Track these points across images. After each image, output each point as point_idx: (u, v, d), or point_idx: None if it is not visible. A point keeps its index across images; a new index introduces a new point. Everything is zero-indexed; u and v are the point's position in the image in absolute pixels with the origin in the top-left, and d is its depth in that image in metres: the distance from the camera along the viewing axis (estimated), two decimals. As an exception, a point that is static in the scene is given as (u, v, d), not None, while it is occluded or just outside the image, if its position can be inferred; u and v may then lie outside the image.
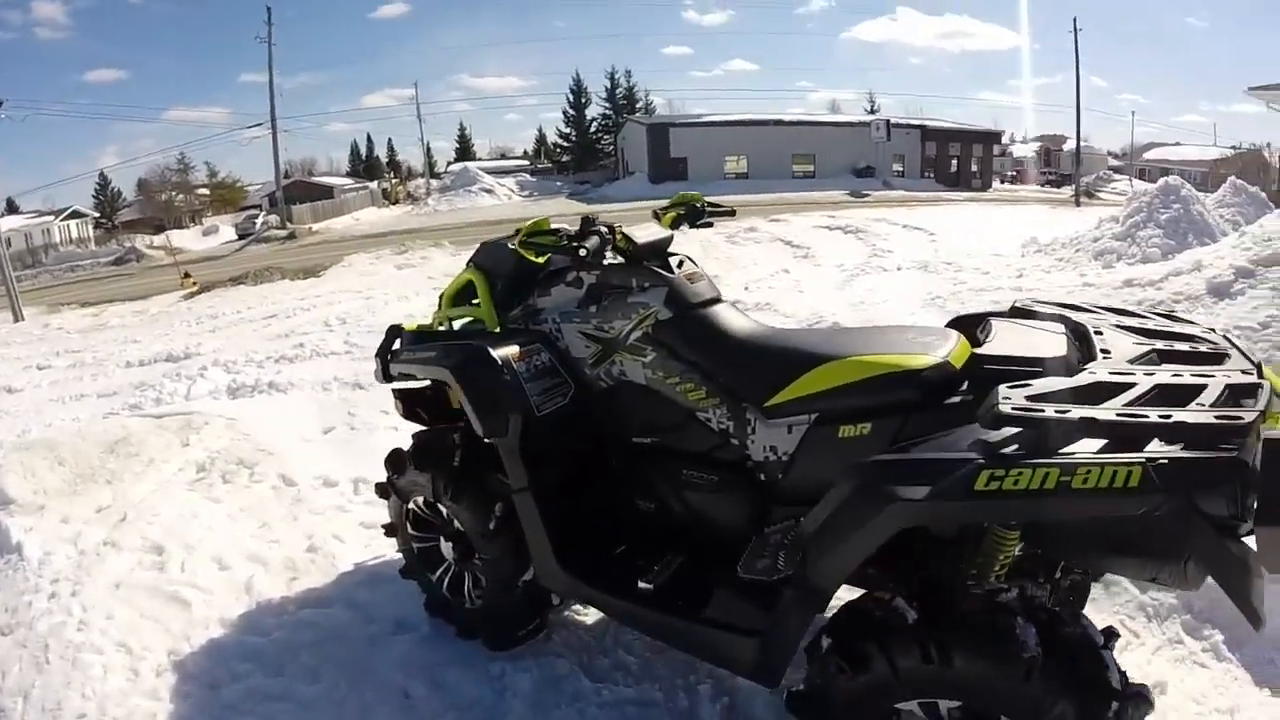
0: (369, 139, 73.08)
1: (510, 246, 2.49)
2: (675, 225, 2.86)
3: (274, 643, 2.66)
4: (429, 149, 50.57)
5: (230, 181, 59.09)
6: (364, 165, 68.98)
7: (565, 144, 53.81)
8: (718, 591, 2.09)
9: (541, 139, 62.50)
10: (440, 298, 2.80)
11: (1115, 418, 1.43)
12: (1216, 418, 1.40)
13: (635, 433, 2.40)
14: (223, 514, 3.52)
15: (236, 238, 37.01)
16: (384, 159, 70.61)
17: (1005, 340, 1.97)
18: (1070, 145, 45.73)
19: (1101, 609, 2.71)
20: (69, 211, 52.20)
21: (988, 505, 1.50)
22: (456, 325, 2.72)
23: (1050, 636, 1.56)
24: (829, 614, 1.88)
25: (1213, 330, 1.95)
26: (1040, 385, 1.55)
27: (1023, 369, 1.76)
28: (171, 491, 3.74)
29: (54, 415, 6.11)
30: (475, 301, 2.65)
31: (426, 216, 30.16)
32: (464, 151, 64.95)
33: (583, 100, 52.67)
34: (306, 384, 5.85)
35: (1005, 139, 52.37)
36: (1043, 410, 1.45)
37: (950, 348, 1.89)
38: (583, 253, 2.27)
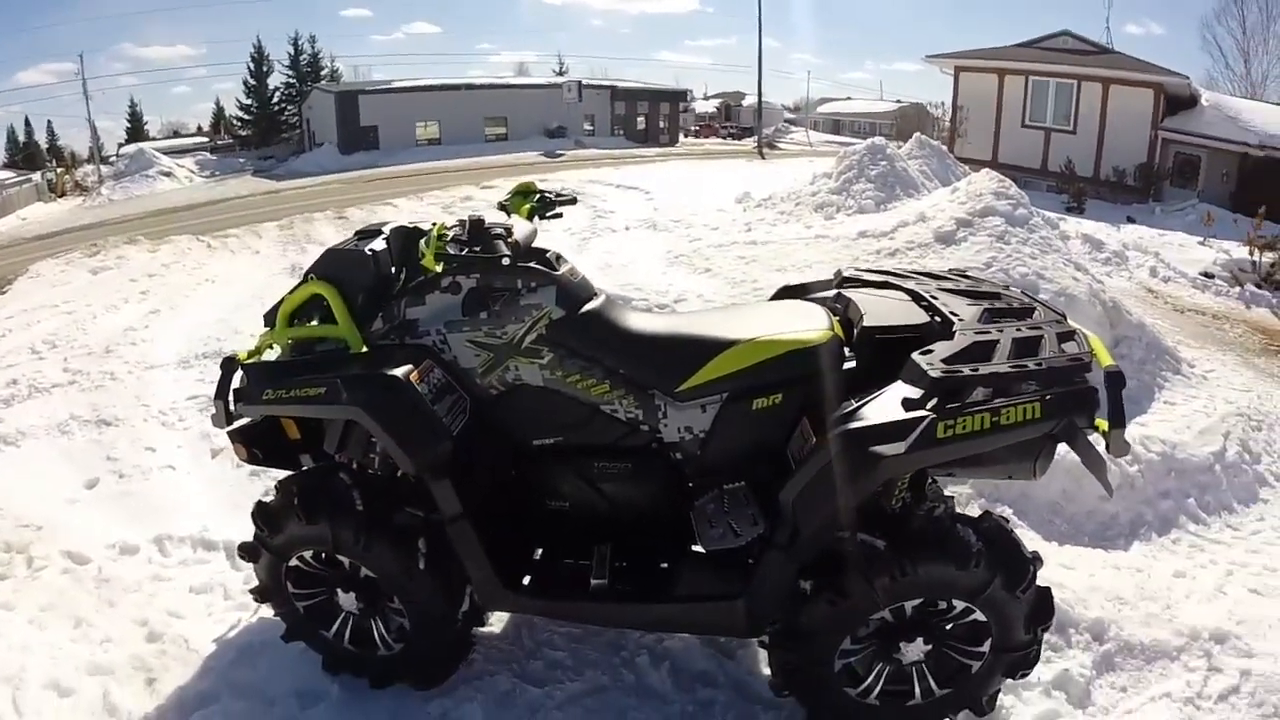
0: (26, 123, 58.51)
1: (368, 254, 2.17)
2: (530, 217, 2.62)
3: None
4: (95, 130, 42.06)
5: None
6: (22, 155, 55.61)
7: (246, 117, 47.58)
8: (681, 568, 2.14)
9: (219, 112, 54.47)
10: (272, 318, 2.29)
11: (1009, 369, 1.80)
12: (1069, 360, 1.82)
13: (536, 435, 2.23)
14: (23, 622, 2.68)
15: None
16: (44, 145, 57.66)
17: (877, 312, 2.16)
18: (748, 101, 48.82)
19: None
20: None
21: (947, 448, 1.78)
22: (300, 348, 2.27)
23: (985, 536, 1.95)
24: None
25: (1008, 287, 2.35)
26: (941, 350, 1.86)
27: (906, 336, 2.01)
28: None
29: None
30: (315, 321, 2.25)
31: (103, 209, 25.14)
32: (135, 131, 54.73)
33: (264, 69, 46.65)
34: (40, 430, 4.61)
35: (688, 97, 54.80)
36: (961, 370, 1.79)
37: (827, 321, 2.11)
38: (506, 261, 2.06)
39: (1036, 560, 2.02)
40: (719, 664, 2.46)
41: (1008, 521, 2.16)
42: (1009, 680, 2.17)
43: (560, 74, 50.69)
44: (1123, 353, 4.80)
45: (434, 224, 2.27)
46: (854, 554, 1.93)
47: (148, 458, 4.07)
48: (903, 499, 2.07)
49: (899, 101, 53.88)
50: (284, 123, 46.77)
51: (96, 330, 6.92)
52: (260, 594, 2.40)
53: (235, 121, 48.27)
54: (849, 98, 63.77)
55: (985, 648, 2.04)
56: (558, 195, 2.78)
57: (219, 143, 47.10)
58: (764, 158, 27.18)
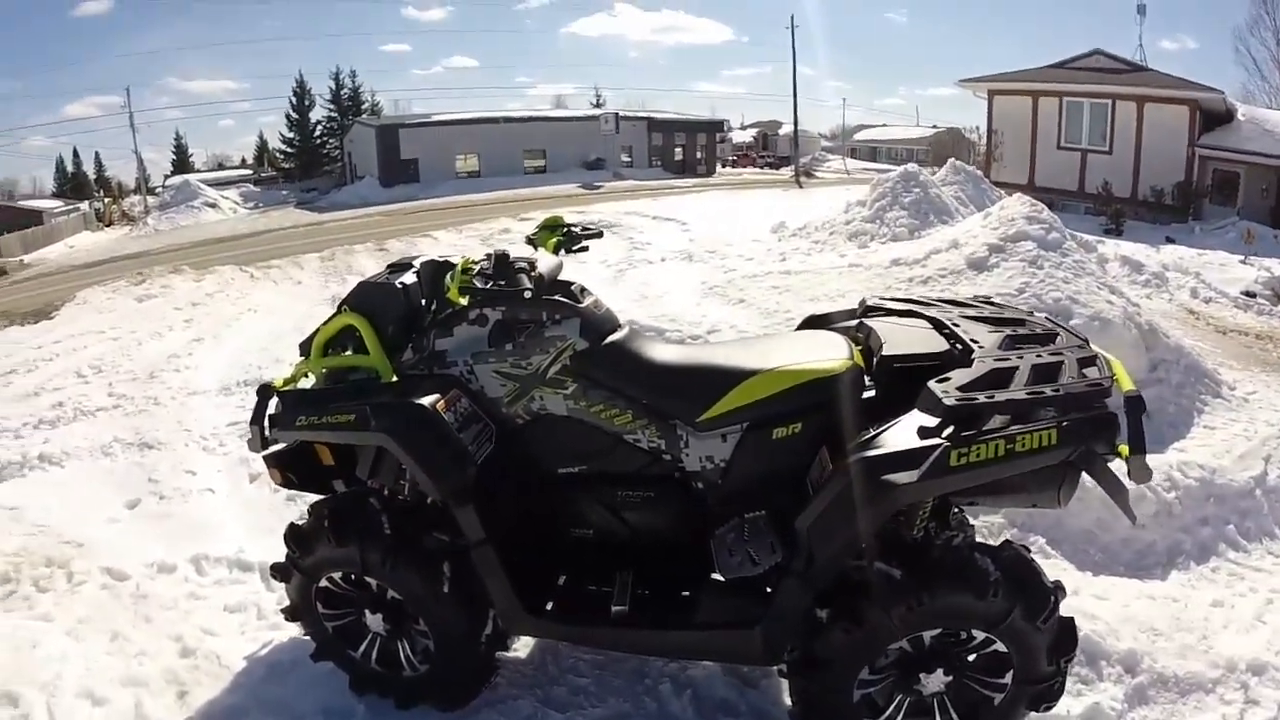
0: (75, 154, 61.09)
1: (398, 286, 2.26)
2: (557, 251, 2.70)
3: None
4: (142, 161, 43.78)
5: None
6: (71, 185, 57.95)
7: (289, 150, 49.12)
8: (700, 595, 2.17)
9: (263, 145, 56.34)
10: (307, 347, 2.39)
11: (1025, 395, 1.80)
12: (1088, 386, 1.82)
13: (561, 464, 2.29)
14: (61, 634, 2.79)
15: (-65, 281, 29.66)
16: (92, 176, 60.04)
17: (897, 341, 2.18)
18: (785, 130, 49.13)
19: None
20: None
21: (961, 476, 1.79)
22: (334, 378, 2.36)
23: (1003, 565, 1.94)
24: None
25: (1032, 313, 2.35)
26: (958, 377, 1.87)
27: (926, 365, 2.02)
28: (-18, 620, 2.89)
29: None
30: (348, 351, 2.33)
31: (149, 238, 26.14)
32: (181, 163, 57.06)
33: (306, 103, 48.25)
34: (84, 451, 4.79)
35: (725, 127, 55.17)
36: (977, 398, 1.80)
37: (848, 350, 2.14)
38: (527, 295, 2.13)
39: (1059, 590, 2.00)
40: (741, 693, 2.47)
41: (1029, 550, 2.15)
42: (1033, 714, 2.15)
43: (598, 106, 51.46)
44: (1160, 376, 4.71)
45: (462, 257, 2.35)
46: (871, 583, 1.94)
47: (188, 480, 4.20)
48: (924, 528, 2.07)
49: (934, 127, 53.85)
50: (326, 155, 48.11)
51: (141, 356, 7.17)
52: (291, 614, 2.47)
53: (278, 154, 49.70)
54: (884, 124, 64.03)
55: (1007, 679, 2.02)
56: (584, 229, 2.85)
57: (262, 175, 48.53)
58: (801, 186, 27.27)
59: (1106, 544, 3.44)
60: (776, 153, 52.87)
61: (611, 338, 2.25)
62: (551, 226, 2.80)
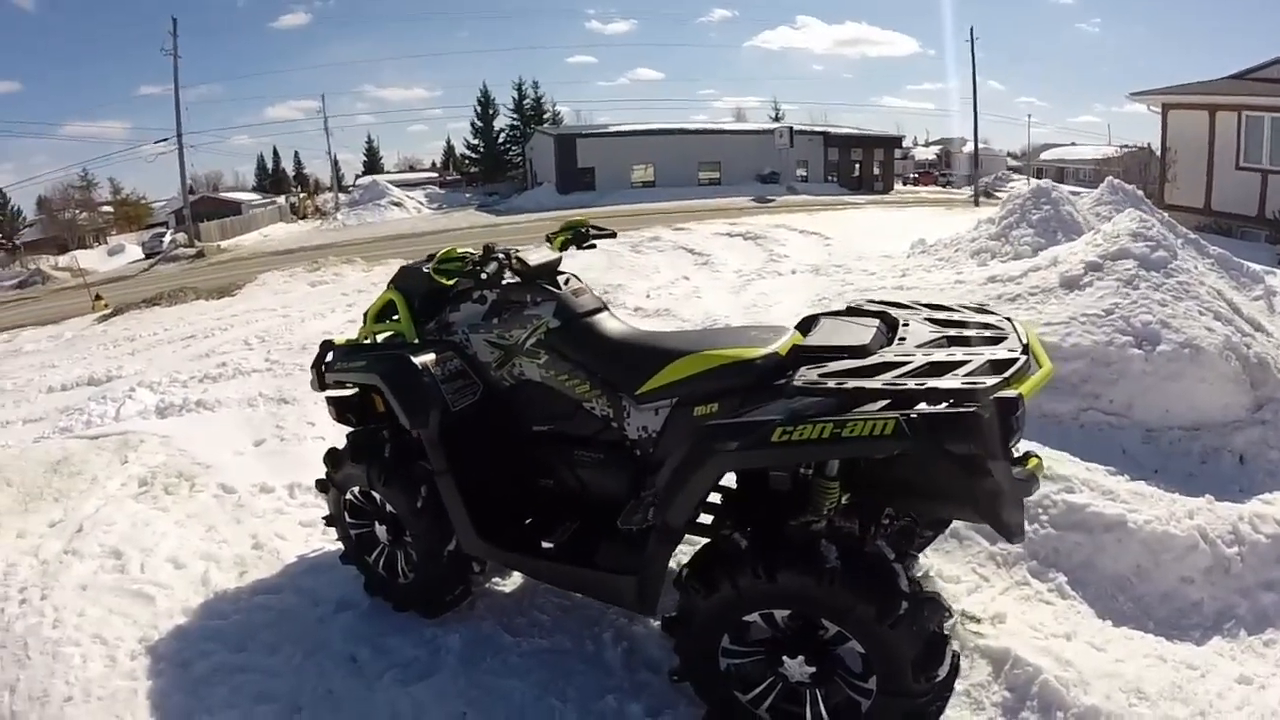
0: (274, 153, 71.21)
1: (425, 270, 2.91)
2: (564, 248, 3.28)
3: (234, 625, 3.00)
4: (336, 162, 49.79)
5: (135, 199, 56.59)
6: (270, 180, 66.98)
7: (473, 155, 53.39)
8: (603, 543, 2.59)
9: (449, 150, 61.87)
10: (365, 315, 3.19)
11: (881, 386, 1.96)
12: (962, 383, 1.92)
13: (535, 422, 2.84)
14: (171, 521, 3.79)
15: (144, 257, 35.68)
16: (290, 173, 68.71)
17: (823, 333, 2.47)
18: (969, 148, 47.50)
19: (955, 559, 3.17)
20: (-35, 233, 49.26)
21: (781, 452, 2.00)
22: (380, 339, 3.12)
23: (849, 554, 2.07)
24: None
25: (1008, 319, 2.45)
26: (834, 366, 2.13)
27: (831, 355, 2.26)
28: (120, 504, 3.98)
29: (-21, 441, 6.09)
30: (395, 318, 3.06)
31: (336, 231, 29.71)
32: (372, 164, 63.67)
33: (490, 111, 52.37)
34: (233, 401, 6.00)
35: (906, 143, 53.92)
36: (825, 383, 2.02)
37: (782, 341, 2.35)
38: (484, 276, 2.73)
39: (929, 602, 2.08)
40: (670, 655, 2.66)
41: (909, 555, 2.39)
42: None
43: (776, 120, 51.71)
44: (1265, 418, 4.33)
45: (466, 249, 2.94)
46: (722, 550, 2.22)
47: (306, 429, 5.19)
48: (822, 517, 2.19)
49: (1125, 146, 49.60)
50: (508, 162, 51.56)
51: (301, 332, 8.53)
52: (329, 520, 3.27)
53: (464, 159, 53.86)
54: (1073, 143, 60.43)
55: (871, 684, 2.11)
56: (596, 230, 3.43)
57: (448, 178, 52.87)
58: (978, 205, 26.25)
59: (1141, 595, 3.18)
60: (958, 171, 50.84)
61: (581, 318, 2.78)
62: (570, 227, 3.41)
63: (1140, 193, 9.35)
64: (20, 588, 3.27)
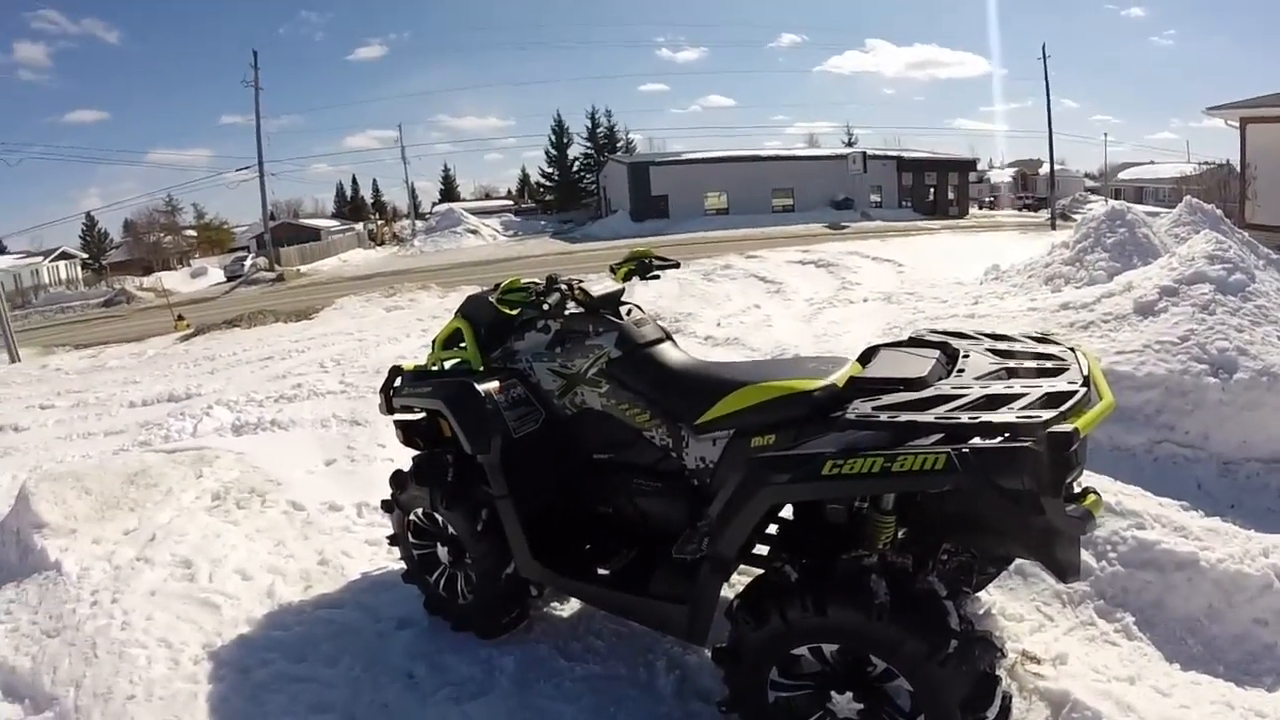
0: (354, 180, 74.55)
1: (490, 300, 3.03)
2: (627, 278, 3.33)
3: (295, 636, 3.11)
4: (413, 190, 51.87)
5: (217, 223, 59.72)
6: (349, 207, 69.95)
7: (548, 183, 54.72)
8: (657, 571, 2.61)
9: (525, 178, 63.73)
10: (433, 342, 3.30)
11: (934, 419, 1.94)
12: (1016, 417, 1.88)
13: (595, 450, 2.91)
14: (241, 535, 3.97)
15: (225, 279, 37.61)
16: (369, 200, 71.60)
17: (881, 365, 2.46)
18: (1046, 169, 46.52)
19: (1019, 596, 3.12)
20: (58, 252, 53.13)
21: (831, 485, 2.02)
22: (448, 365, 3.22)
23: (899, 589, 2.03)
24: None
25: (1071, 349, 2.43)
26: (889, 398, 2.12)
27: (888, 387, 2.25)
28: (193, 516, 4.19)
29: (64, 452, 6.46)
30: (462, 345, 3.16)
31: (413, 258, 30.76)
32: (449, 192, 65.94)
33: (564, 140, 53.77)
34: (306, 421, 6.28)
35: (981, 165, 53.05)
36: (879, 416, 2.01)
37: (841, 372, 2.36)
38: (546, 306, 2.83)
39: (980, 641, 2.04)
40: (721, 685, 2.66)
41: (963, 591, 2.34)
42: None
43: (849, 145, 51.50)
44: None
45: (530, 280, 3.06)
46: (773, 582, 2.21)
47: (377, 450, 5.36)
48: (876, 551, 2.21)
49: (1204, 163, 47.33)
50: (583, 190, 52.60)
51: (376, 355, 8.86)
52: (393, 540, 3.37)
53: (539, 187, 55.18)
54: (1151, 161, 58.26)
55: None
56: (660, 260, 3.43)
57: (523, 206, 54.22)
58: (1055, 229, 25.46)
59: (1212, 637, 3.08)
60: (1035, 193, 49.77)
61: (642, 349, 2.83)
62: (634, 257, 3.46)
63: (1219, 212, 8.99)
64: (92, 590, 3.46)
